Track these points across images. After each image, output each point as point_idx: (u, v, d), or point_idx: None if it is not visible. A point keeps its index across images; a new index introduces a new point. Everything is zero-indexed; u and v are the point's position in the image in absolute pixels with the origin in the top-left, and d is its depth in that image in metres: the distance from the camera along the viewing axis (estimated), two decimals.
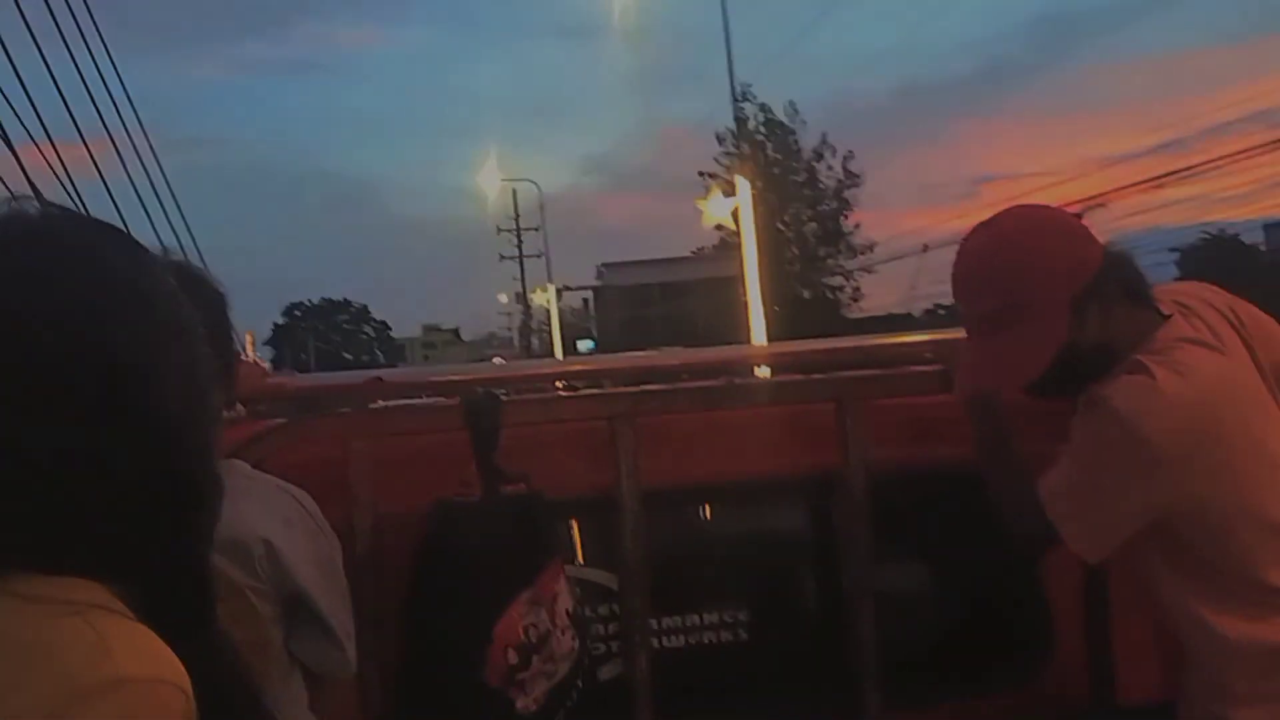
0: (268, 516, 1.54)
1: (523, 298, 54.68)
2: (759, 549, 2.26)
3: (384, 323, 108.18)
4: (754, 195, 51.79)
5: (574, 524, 2.17)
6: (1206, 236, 37.50)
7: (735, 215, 22.60)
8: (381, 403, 2.13)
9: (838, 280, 49.86)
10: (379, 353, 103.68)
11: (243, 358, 2.05)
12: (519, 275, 54.77)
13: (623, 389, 2.21)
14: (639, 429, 2.03)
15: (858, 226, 49.96)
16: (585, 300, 55.55)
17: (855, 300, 49.25)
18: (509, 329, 72.18)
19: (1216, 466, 1.73)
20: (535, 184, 49.03)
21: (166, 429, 0.87)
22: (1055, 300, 1.78)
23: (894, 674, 2.09)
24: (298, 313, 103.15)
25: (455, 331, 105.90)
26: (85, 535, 0.83)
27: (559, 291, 50.86)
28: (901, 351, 2.38)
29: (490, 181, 46.34)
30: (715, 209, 25.31)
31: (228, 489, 1.51)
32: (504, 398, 2.05)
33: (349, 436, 1.95)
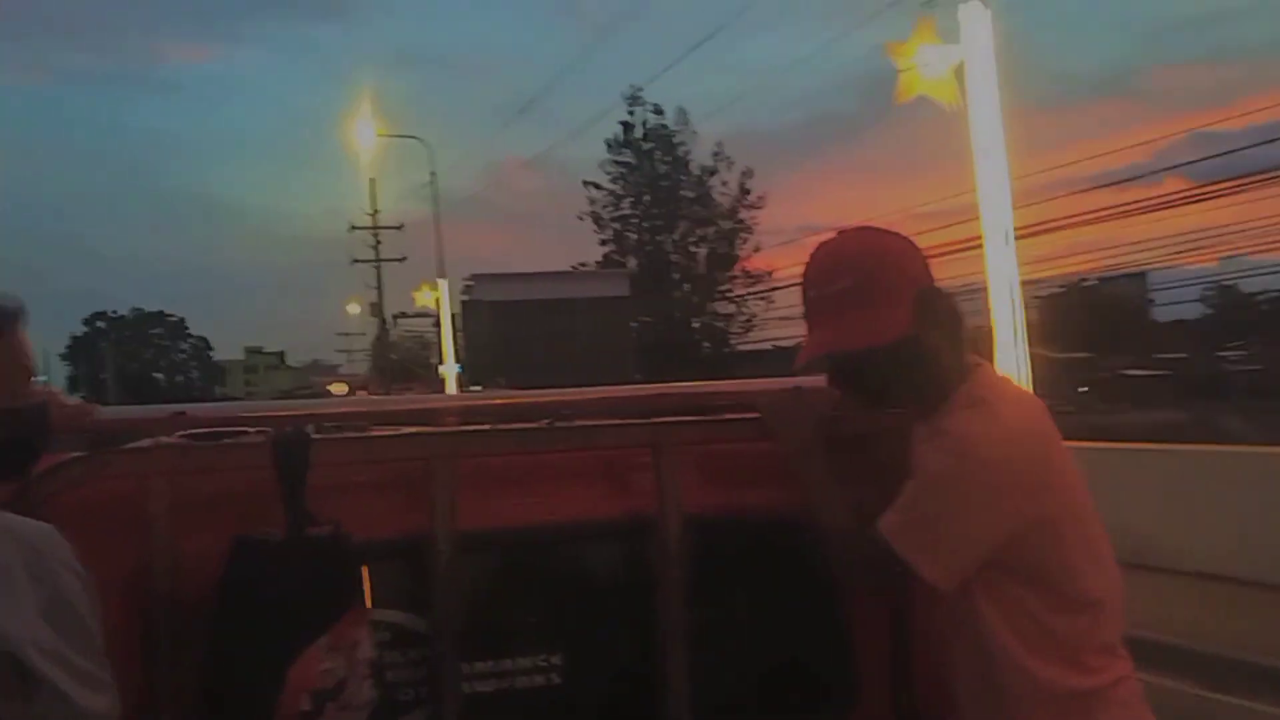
0: None
1: (379, 308, 50.37)
2: (574, 594, 2.33)
3: (203, 339, 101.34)
4: (636, 210, 49.63)
5: (385, 567, 2.16)
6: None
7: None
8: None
9: (729, 308, 48.47)
10: (194, 373, 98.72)
11: (36, 384, 2.05)
12: (375, 283, 49.84)
13: (440, 429, 2.32)
14: (456, 470, 2.11)
15: (756, 250, 48.02)
16: (454, 316, 52.53)
17: (747, 330, 47.49)
18: (347, 351, 70.16)
19: (1053, 491, 1.97)
20: (421, 140, 41.59)
21: None
22: (903, 290, 2.02)
23: None
24: (101, 323, 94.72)
25: (280, 355, 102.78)
26: None
27: (467, 290, 45.43)
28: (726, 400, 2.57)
29: (365, 135, 36.77)
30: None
31: None
32: (316, 436, 2.10)
33: (147, 473, 1.95)
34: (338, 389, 54.84)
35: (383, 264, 49.98)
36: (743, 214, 48.72)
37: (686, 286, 48.81)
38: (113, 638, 1.71)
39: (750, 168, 49.35)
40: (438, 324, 46.53)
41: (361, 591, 1.98)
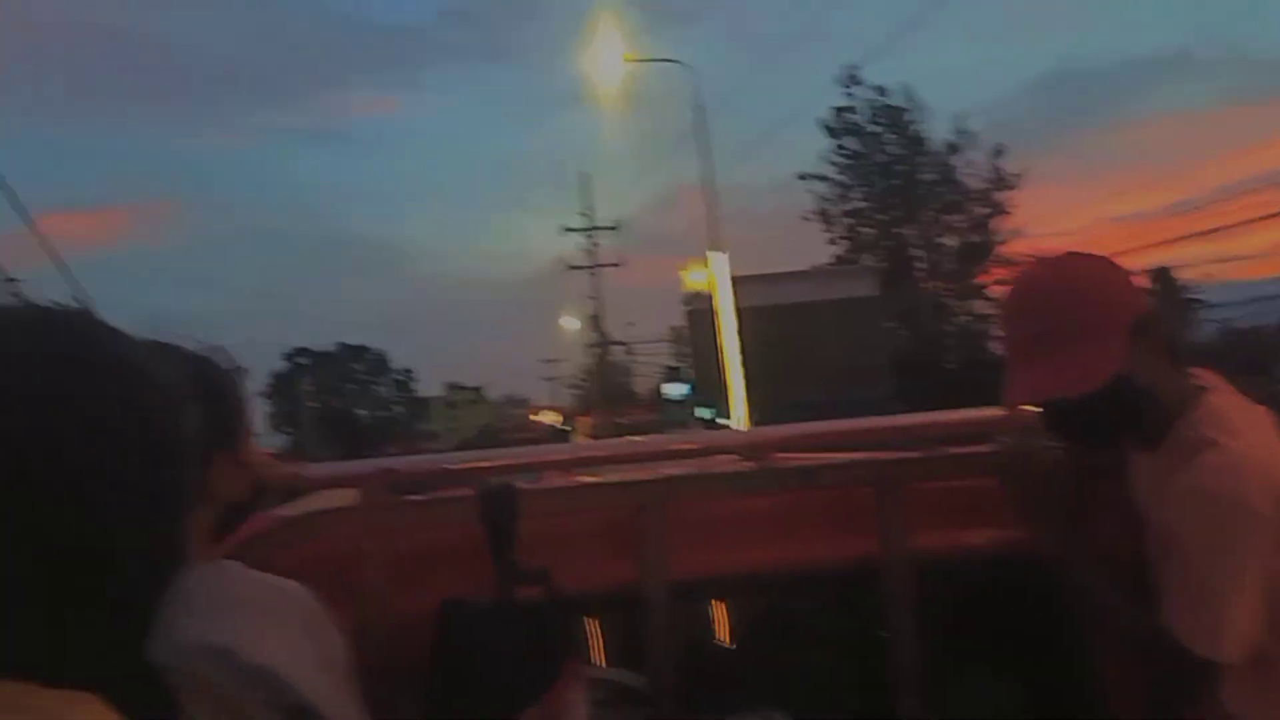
0: (266, 624, 1.55)
1: (598, 321, 47.04)
2: (798, 644, 2.31)
3: (407, 371, 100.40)
4: (870, 200, 46.14)
5: (598, 620, 2.22)
6: None
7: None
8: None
9: (986, 307, 41.94)
10: (396, 409, 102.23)
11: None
12: (590, 295, 46.65)
13: (649, 475, 2.34)
14: (666, 518, 2.10)
15: (1015, 234, 41.64)
16: (676, 330, 46.85)
17: None
18: (554, 378, 70.55)
19: None
20: (679, 62, 29.70)
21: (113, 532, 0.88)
22: (1113, 323, 1.90)
23: None
24: (302, 360, 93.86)
25: (477, 390, 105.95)
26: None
27: (691, 299, 39.88)
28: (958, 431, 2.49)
29: (609, 59, 27.97)
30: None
31: (220, 591, 1.55)
32: (523, 486, 2.12)
33: (359, 534, 2.02)
34: (550, 418, 54.49)
35: (599, 270, 46.91)
36: (997, 195, 43.29)
37: (935, 284, 43.85)
38: None
39: (1002, 143, 43.12)
40: (685, 334, 43.09)
41: (576, 650, 1.98)
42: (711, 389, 38.60)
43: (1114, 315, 1.91)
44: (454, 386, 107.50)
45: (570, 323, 56.91)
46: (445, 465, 2.34)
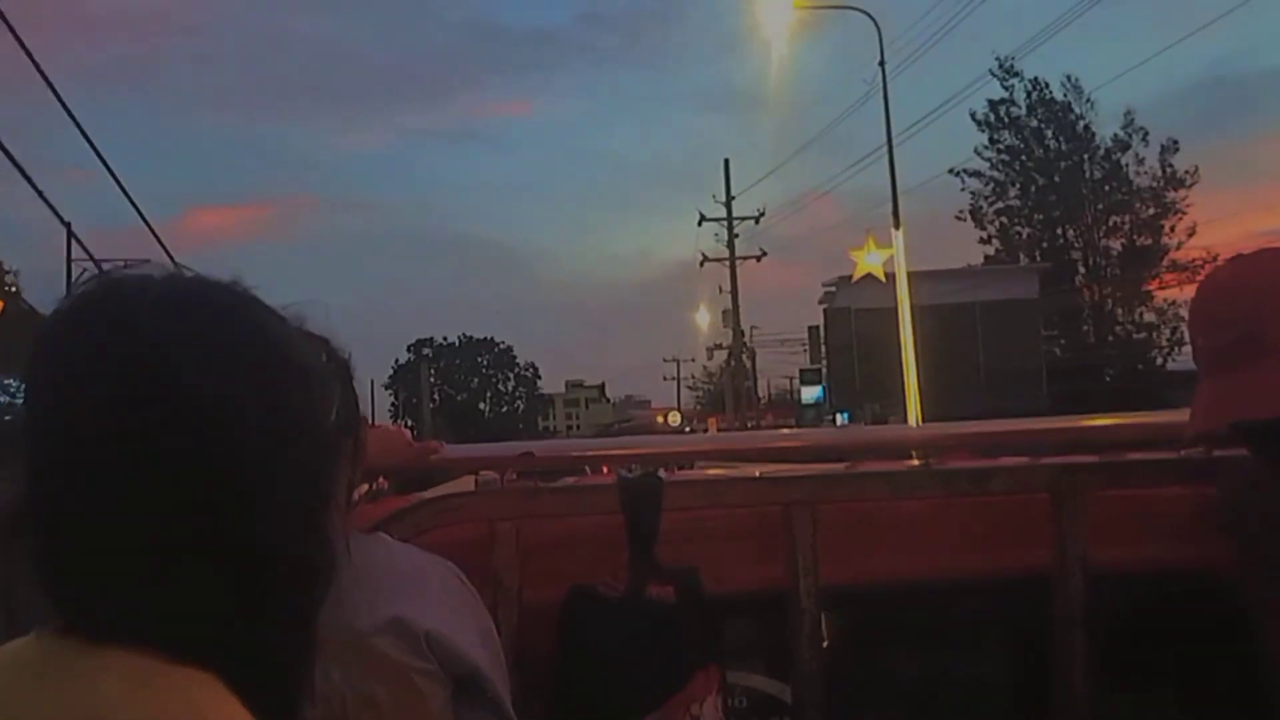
0: (428, 592, 1.56)
1: (734, 315, 40.99)
2: (955, 660, 2.18)
3: (532, 365, 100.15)
4: (1026, 198, 43.34)
5: (740, 623, 2.11)
6: None
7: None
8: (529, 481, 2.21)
9: (1152, 315, 40.12)
10: (519, 404, 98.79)
11: (379, 424, 2.13)
12: (727, 287, 41.26)
13: (801, 472, 2.23)
14: (819, 517, 2.01)
15: (1191, 235, 38.76)
16: (810, 329, 42.16)
17: (1179, 344, 37.19)
18: (691, 379, 65.01)
19: None
20: (862, 10, 24.30)
21: (272, 500, 0.89)
22: None
23: None
24: (427, 350, 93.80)
25: (600, 388, 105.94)
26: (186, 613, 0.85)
27: (827, 298, 38.97)
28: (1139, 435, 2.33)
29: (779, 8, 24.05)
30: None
31: (379, 565, 1.56)
32: (666, 477, 2.05)
33: (495, 517, 1.96)
34: (672, 418, 53.43)
35: (738, 261, 41.45)
36: (1169, 195, 40.14)
37: (1097, 289, 40.93)
38: None
39: (1174, 138, 40.15)
40: (819, 338, 40.22)
41: (712, 654, 1.89)
42: (846, 393, 37.36)
43: None
44: (575, 384, 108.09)
45: (703, 318, 51.77)
46: (584, 451, 2.29)
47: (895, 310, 32.50)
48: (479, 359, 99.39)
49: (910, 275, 37.71)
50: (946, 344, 33.41)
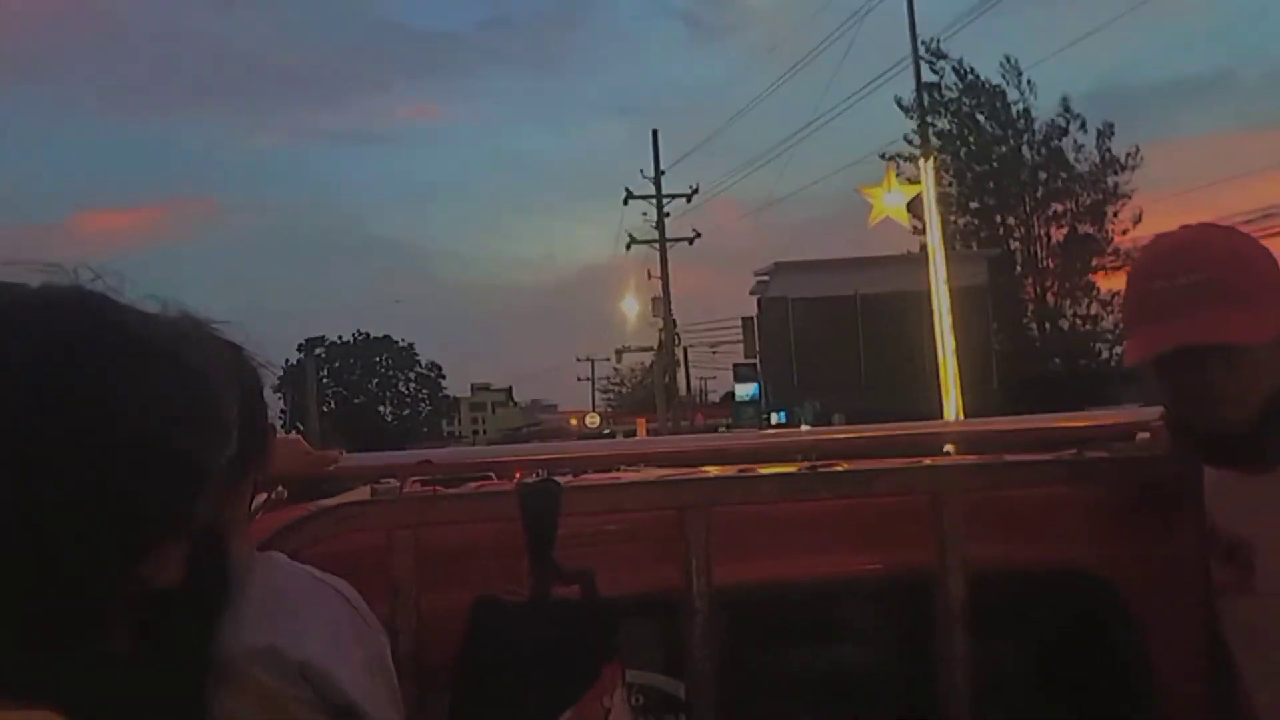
0: (311, 619, 1.57)
1: (665, 302, 38.14)
2: (843, 657, 2.30)
3: (435, 365, 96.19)
4: (962, 188, 40.49)
5: (637, 624, 2.18)
6: None
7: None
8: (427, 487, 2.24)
9: (1094, 308, 39.32)
10: (423, 406, 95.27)
11: (280, 433, 2.19)
12: (657, 273, 38.28)
13: (695, 475, 2.35)
14: (713, 520, 2.10)
15: (1138, 222, 37.65)
16: (744, 320, 39.66)
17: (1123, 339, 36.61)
18: (596, 381, 63.39)
19: None
20: None
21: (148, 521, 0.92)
22: (1267, 298, 1.84)
23: None
24: (320, 350, 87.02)
25: (508, 391, 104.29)
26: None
27: (760, 287, 36.79)
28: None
29: None
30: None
31: (265, 587, 1.55)
32: (564, 483, 2.11)
33: (393, 526, 2.02)
34: (591, 420, 49.75)
35: (669, 245, 38.65)
36: (1110, 179, 39.54)
37: (1041, 280, 40.00)
38: None
39: (1110, 121, 39.67)
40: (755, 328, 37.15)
41: (614, 655, 1.97)
42: (784, 390, 34.95)
43: (1270, 291, 1.87)
44: (482, 388, 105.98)
45: (631, 307, 47.04)
46: (483, 458, 2.37)
47: (837, 299, 31.39)
48: (377, 359, 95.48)
49: (851, 262, 35.29)
50: (890, 334, 32.08)
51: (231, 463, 1.09)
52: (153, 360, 0.97)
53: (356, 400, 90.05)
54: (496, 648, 1.92)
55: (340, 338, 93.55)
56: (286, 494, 2.21)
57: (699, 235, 39.54)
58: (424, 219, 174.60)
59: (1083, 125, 39.58)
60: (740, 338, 40.42)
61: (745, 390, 38.85)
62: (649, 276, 39.98)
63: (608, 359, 58.75)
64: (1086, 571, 2.18)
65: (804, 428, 29.42)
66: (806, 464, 2.36)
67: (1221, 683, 2.12)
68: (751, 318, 38.88)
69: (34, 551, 0.88)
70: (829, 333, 33.42)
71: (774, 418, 34.64)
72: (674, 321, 38.99)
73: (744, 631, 2.23)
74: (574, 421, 58.02)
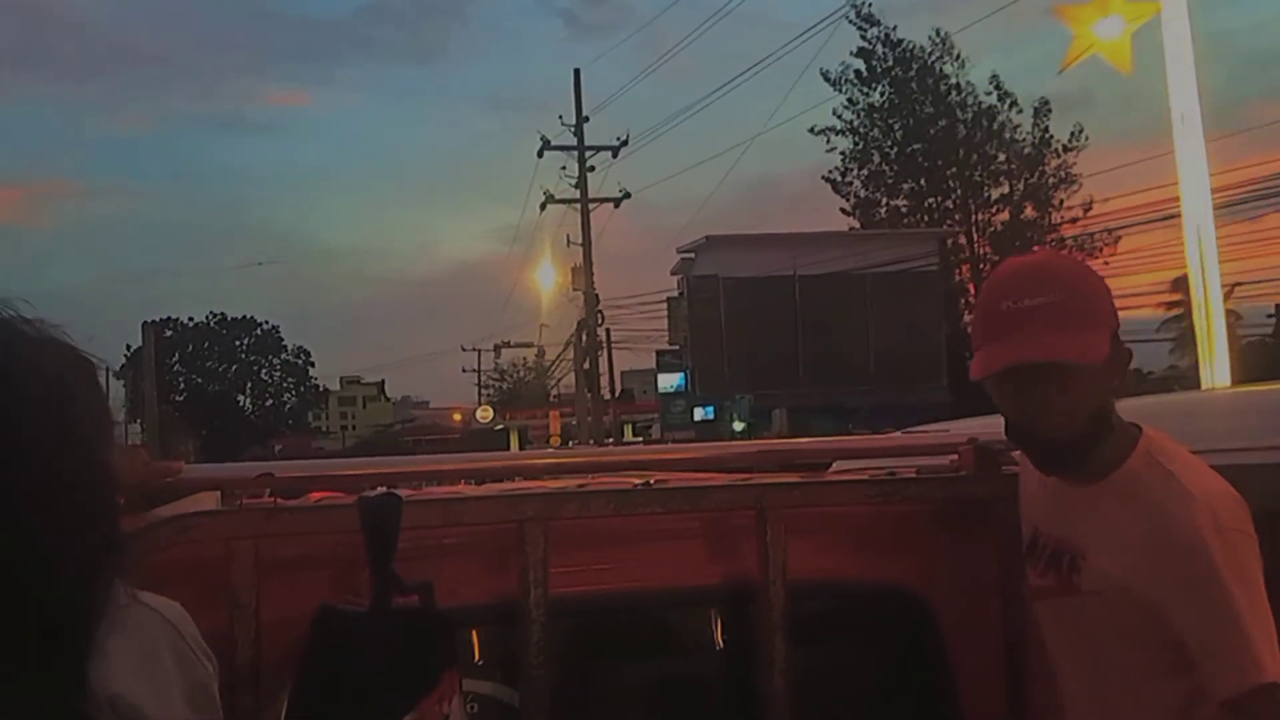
0: (123, 651, 1.51)
1: (586, 272, 33.81)
2: (671, 665, 2.48)
3: (303, 350, 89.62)
4: (893, 165, 37.84)
5: (474, 634, 2.35)
6: None
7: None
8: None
9: None
10: (288, 396, 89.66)
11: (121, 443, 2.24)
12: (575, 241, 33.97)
13: (532, 489, 2.53)
14: (549, 533, 2.23)
15: (1088, 210, 35.75)
16: (670, 301, 36.77)
17: None
18: (473, 374, 61.18)
19: None
20: None
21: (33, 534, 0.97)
22: (1105, 322, 2.11)
23: None
24: (169, 331, 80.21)
25: (379, 385, 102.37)
26: None
27: (684, 265, 33.89)
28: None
29: None
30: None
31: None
32: (405, 496, 2.22)
33: (233, 536, 2.10)
34: (482, 414, 47.11)
35: (590, 205, 34.24)
36: (1053, 161, 37.79)
37: (984, 266, 36.34)
38: None
39: (1046, 98, 37.81)
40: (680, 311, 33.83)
41: (452, 663, 2.09)
42: (712, 381, 32.03)
43: (1106, 317, 2.13)
44: (352, 381, 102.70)
45: (546, 278, 41.77)
46: (326, 471, 2.50)
47: (773, 280, 27.29)
48: (237, 342, 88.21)
49: (789, 237, 32.16)
50: (832, 320, 30.19)
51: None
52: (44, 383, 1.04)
53: (213, 388, 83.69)
54: (337, 654, 2.03)
55: (191, 319, 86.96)
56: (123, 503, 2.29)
57: (628, 195, 34.51)
58: (295, 207, 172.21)
59: (1013, 104, 37.77)
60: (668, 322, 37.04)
61: (669, 381, 35.68)
62: (568, 243, 35.68)
63: (490, 350, 56.58)
64: (895, 585, 2.41)
65: (736, 426, 27.96)
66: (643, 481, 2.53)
67: (1018, 682, 2.36)
68: (677, 298, 35.73)
69: None
70: (764, 317, 30.17)
71: (697, 412, 31.65)
72: (596, 296, 34.27)
73: (577, 641, 2.39)
74: (457, 417, 56.46)
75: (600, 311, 34.03)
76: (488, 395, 63.46)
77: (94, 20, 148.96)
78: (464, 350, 59.07)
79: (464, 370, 60.28)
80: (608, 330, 35.60)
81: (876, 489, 2.42)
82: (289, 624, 2.07)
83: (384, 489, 2.31)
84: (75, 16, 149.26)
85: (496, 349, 51.25)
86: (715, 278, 32.60)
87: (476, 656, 2.34)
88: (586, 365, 34.60)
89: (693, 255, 34.05)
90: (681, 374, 34.70)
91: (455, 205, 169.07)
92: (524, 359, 55.16)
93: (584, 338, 34.29)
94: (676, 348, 36.21)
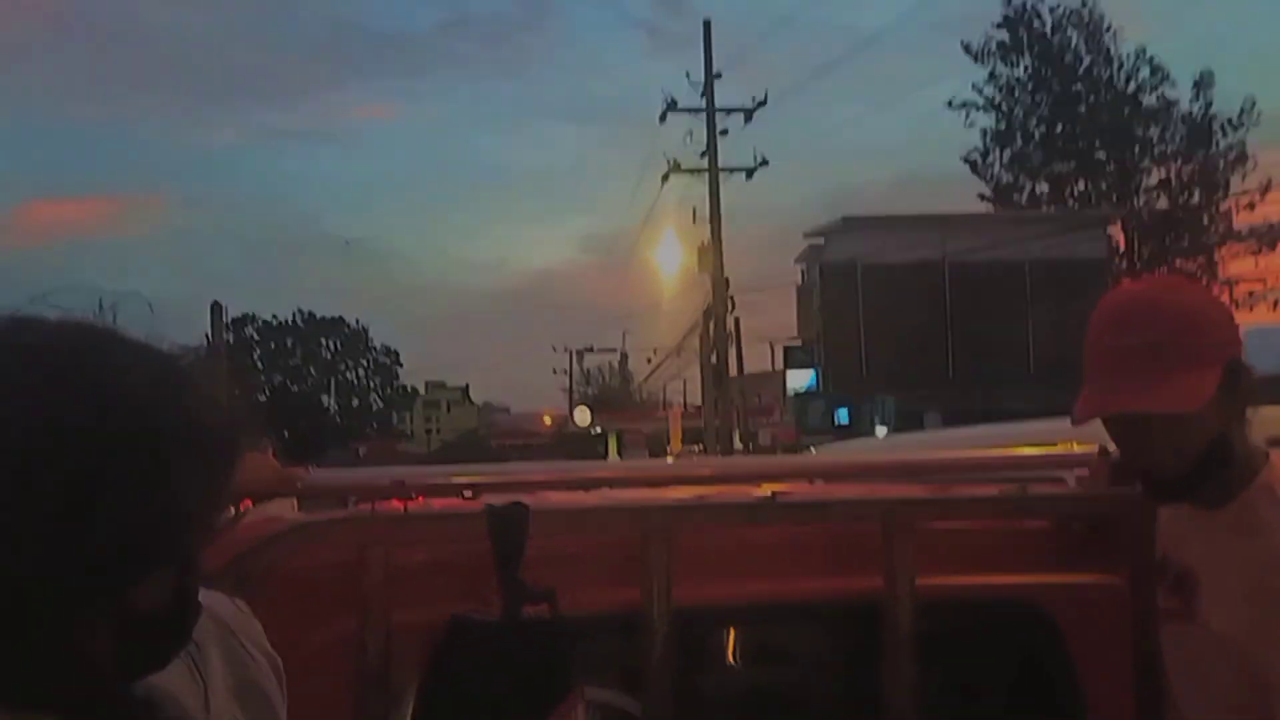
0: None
1: (715, 251, 28.74)
2: (793, 679, 2.50)
3: (391, 350, 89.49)
4: (1035, 151, 34.12)
5: (597, 643, 2.39)
6: None
7: None
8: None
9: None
10: (373, 398, 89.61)
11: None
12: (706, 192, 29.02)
13: (658, 500, 2.57)
14: (674, 545, 2.27)
15: (1267, 191, 33.11)
16: (799, 289, 33.51)
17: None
18: (569, 372, 61.51)
19: None
20: None
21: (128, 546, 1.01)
22: (1211, 356, 2.03)
23: None
24: (250, 331, 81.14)
25: (464, 390, 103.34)
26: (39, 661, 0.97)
27: (813, 252, 30.37)
28: None
29: None
30: None
31: None
32: (531, 506, 2.24)
33: (364, 543, 2.16)
34: (580, 417, 44.73)
35: (721, 175, 29.44)
36: (1224, 140, 35.13)
37: (1133, 258, 34.30)
38: (322, 714, 1.94)
39: (1209, 68, 35.36)
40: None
41: (576, 676, 2.14)
42: (847, 379, 29.32)
43: (1213, 350, 2.06)
44: (437, 385, 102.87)
45: (669, 260, 36.24)
46: (455, 479, 2.60)
47: (919, 265, 24.41)
48: (322, 342, 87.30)
49: (936, 219, 28.81)
50: (985, 315, 27.40)
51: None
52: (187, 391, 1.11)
53: (296, 388, 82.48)
54: (470, 664, 2.09)
55: (274, 317, 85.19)
56: (252, 509, 2.36)
57: (765, 162, 29.52)
58: (379, 218, 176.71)
59: (1166, 78, 34.50)
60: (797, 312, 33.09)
61: (800, 379, 32.78)
62: (694, 219, 30.85)
63: (590, 348, 56.29)
64: (1025, 602, 2.44)
65: (879, 432, 25.02)
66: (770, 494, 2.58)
67: (1151, 710, 2.39)
68: (808, 288, 32.43)
69: (34, 573, 1.00)
70: (908, 308, 27.32)
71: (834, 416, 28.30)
72: (726, 280, 29.44)
73: (701, 651, 2.45)
74: (548, 420, 56.35)
75: (731, 297, 29.62)
76: (575, 399, 63.72)
77: (183, 34, 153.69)
78: (554, 351, 59.96)
79: (554, 371, 60.20)
80: (737, 319, 30.73)
81: (1007, 504, 2.44)
82: (418, 631, 2.14)
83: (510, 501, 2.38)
84: (166, 31, 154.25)
85: (580, 353, 52.90)
86: (853, 264, 29.95)
87: (599, 665, 2.39)
88: (714, 359, 29.75)
89: (822, 240, 31.32)
90: (813, 372, 32.28)
91: (536, 214, 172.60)
92: (609, 363, 54.84)
93: (711, 328, 29.51)
94: (806, 343, 33.12)
